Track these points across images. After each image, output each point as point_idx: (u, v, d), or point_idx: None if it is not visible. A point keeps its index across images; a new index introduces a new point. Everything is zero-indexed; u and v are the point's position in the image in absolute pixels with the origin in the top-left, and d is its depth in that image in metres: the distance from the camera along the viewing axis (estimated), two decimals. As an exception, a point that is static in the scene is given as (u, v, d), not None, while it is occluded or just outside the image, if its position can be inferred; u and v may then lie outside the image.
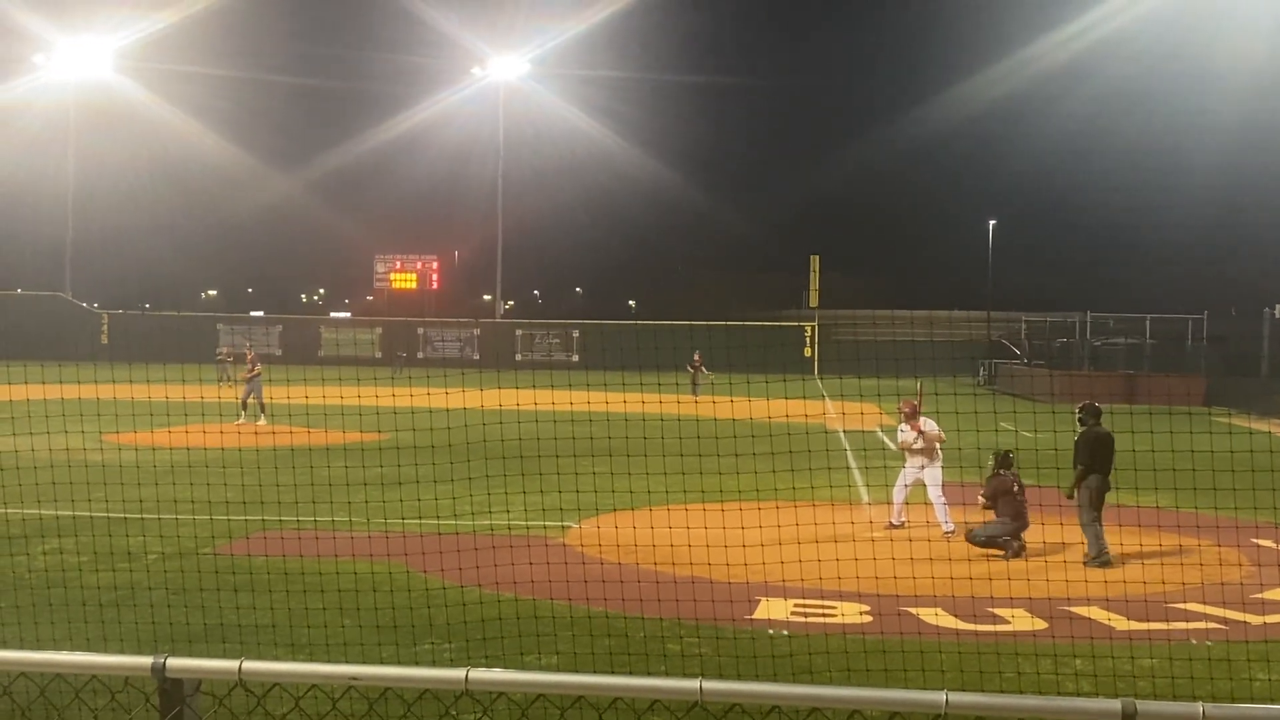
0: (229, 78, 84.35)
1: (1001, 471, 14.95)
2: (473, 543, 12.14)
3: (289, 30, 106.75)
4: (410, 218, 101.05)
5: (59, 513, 15.56)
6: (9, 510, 15.22)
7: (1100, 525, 14.13)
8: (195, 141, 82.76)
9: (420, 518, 14.61)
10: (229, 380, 46.29)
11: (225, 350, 54.03)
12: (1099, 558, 13.86)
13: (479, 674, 3.18)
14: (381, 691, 3.67)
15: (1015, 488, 14.75)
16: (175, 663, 3.26)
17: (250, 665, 3.21)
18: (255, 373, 31.01)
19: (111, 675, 3.59)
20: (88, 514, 15.36)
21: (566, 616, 10.22)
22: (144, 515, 15.21)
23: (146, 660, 3.28)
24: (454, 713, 4.06)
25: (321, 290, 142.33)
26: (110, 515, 14.81)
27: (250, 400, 30.92)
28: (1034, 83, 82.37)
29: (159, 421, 23.45)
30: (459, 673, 3.18)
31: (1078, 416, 14.79)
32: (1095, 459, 14.15)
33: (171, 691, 3.25)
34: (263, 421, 29.14)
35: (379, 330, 73.83)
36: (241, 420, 29.37)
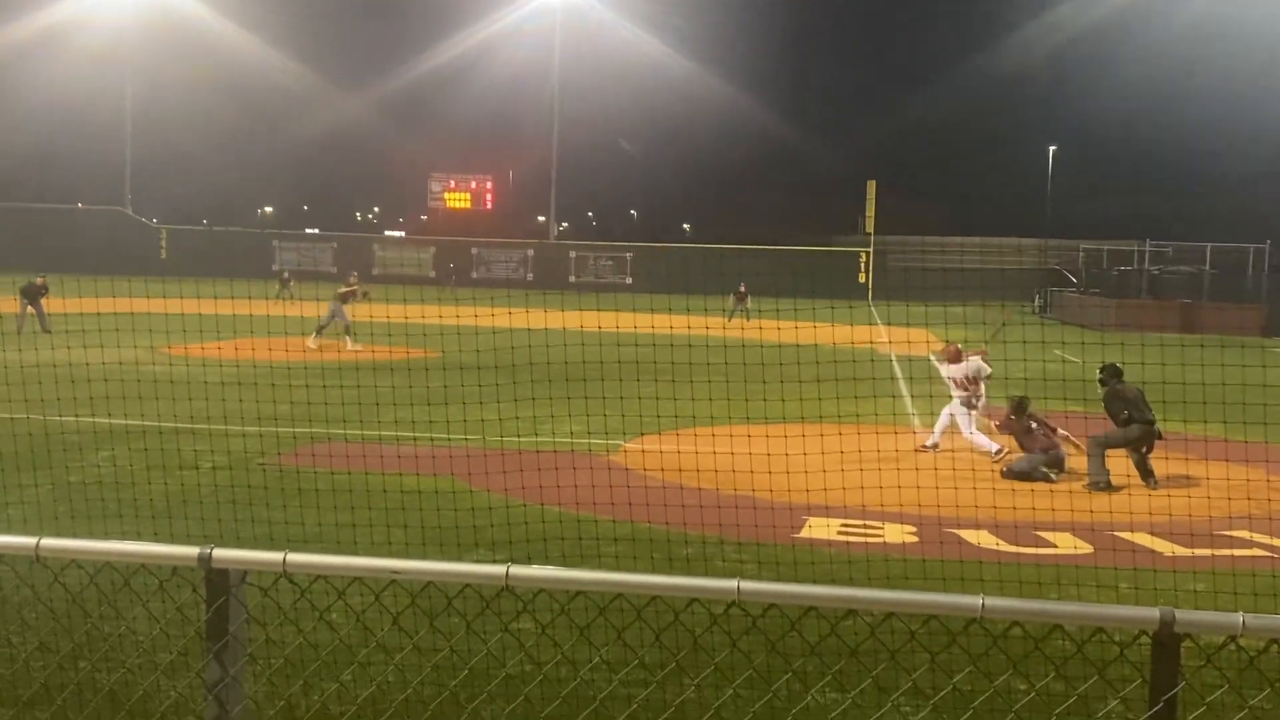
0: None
1: (1014, 417, 14.93)
2: (523, 460, 12.27)
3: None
4: (466, 137, 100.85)
5: (116, 421, 15.89)
6: (68, 418, 15.55)
7: (1104, 457, 14.01)
8: (254, 58, 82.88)
9: (469, 435, 14.79)
10: (288, 296, 46.71)
11: (286, 272, 54.45)
12: (1096, 482, 13.79)
13: (519, 570, 3.25)
14: (424, 586, 3.76)
15: (1033, 425, 14.75)
16: (221, 553, 3.36)
17: (294, 557, 3.30)
18: (351, 291, 30.41)
19: (160, 565, 3.70)
20: (145, 423, 15.67)
21: (613, 532, 10.34)
22: (199, 426, 15.51)
23: (193, 550, 3.38)
24: (495, 610, 4.15)
25: (376, 209, 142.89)
26: (165, 425, 15.10)
27: (335, 322, 30.14)
28: (1104, 10, 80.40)
29: (214, 335, 23.77)
30: (499, 569, 3.25)
31: (1099, 378, 14.63)
32: (1130, 409, 14.05)
33: (217, 581, 3.35)
34: (350, 343, 29.02)
35: (432, 249, 74.12)
36: (330, 340, 29.19)
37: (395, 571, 3.33)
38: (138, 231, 72.34)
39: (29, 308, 30.79)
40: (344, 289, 30.83)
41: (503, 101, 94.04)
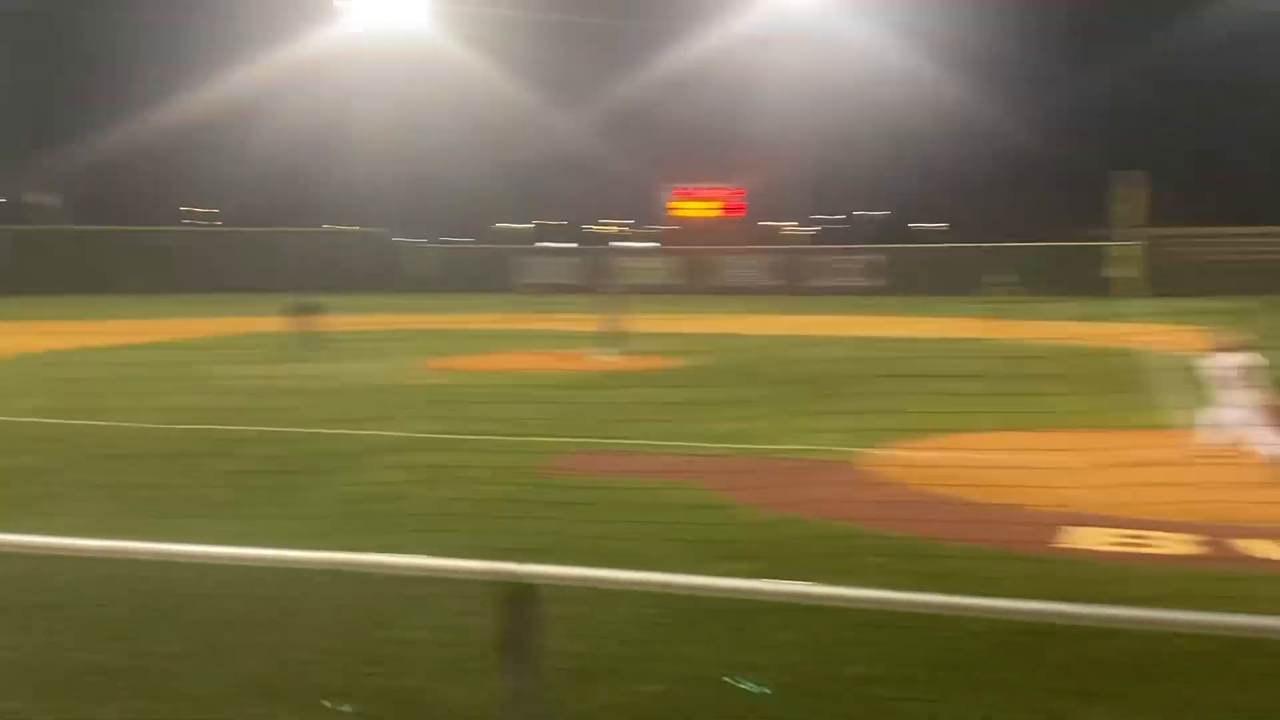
0: (518, 18, 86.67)
1: None
2: (778, 469, 12.27)
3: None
4: (709, 144, 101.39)
5: (389, 434, 16.75)
6: (344, 431, 16.43)
7: None
8: (487, 78, 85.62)
9: (725, 443, 14.89)
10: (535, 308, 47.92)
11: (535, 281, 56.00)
12: None
13: (771, 585, 3.31)
14: (688, 598, 3.87)
15: None
16: (522, 569, 3.54)
17: (591, 572, 3.45)
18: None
19: (454, 578, 3.91)
20: (417, 435, 16.45)
21: (865, 541, 10.26)
22: (467, 436, 16.16)
23: (497, 565, 3.57)
24: (747, 626, 4.23)
25: (619, 220, 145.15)
26: (436, 436, 15.79)
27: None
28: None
29: (473, 348, 24.75)
30: (761, 584, 3.31)
31: None
32: None
33: (520, 595, 3.53)
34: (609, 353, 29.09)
35: (678, 258, 74.91)
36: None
37: (693, 587, 3.44)
38: (402, 250, 75.89)
39: (303, 325, 32.22)
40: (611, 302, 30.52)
41: (749, 106, 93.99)
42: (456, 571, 3.80)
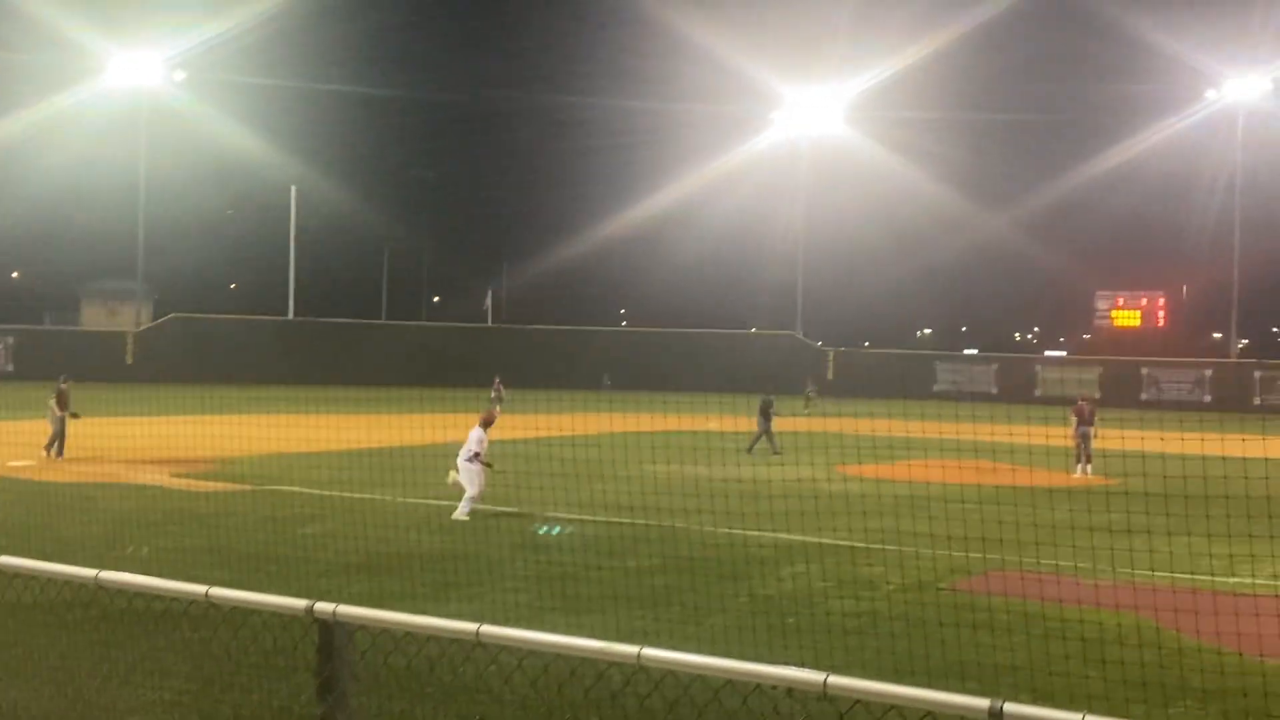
0: (942, 119, 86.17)
1: None
2: (1220, 602, 11.14)
3: (1006, 64, 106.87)
4: (1131, 252, 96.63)
5: (799, 538, 16.55)
6: (751, 532, 16.39)
7: None
8: (910, 183, 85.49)
9: (1156, 570, 13.68)
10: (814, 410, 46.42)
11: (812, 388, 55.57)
12: None
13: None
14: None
15: None
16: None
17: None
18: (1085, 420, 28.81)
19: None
20: (826, 541, 16.18)
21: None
22: (877, 545, 15.72)
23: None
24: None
25: (1036, 328, 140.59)
26: (845, 543, 15.45)
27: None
28: None
29: (886, 455, 24.22)
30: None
31: None
32: None
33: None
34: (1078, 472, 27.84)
35: (1098, 369, 71.26)
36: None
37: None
38: (807, 353, 76.39)
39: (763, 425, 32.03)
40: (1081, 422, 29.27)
41: (1171, 212, 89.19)
42: (935, 704, 3.47)
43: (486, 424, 19.39)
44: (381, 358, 70.01)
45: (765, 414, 31.73)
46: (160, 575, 6.25)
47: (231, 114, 77.49)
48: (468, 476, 18.70)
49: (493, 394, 48.64)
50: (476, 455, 18.73)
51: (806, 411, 47.53)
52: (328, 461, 22.66)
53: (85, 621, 8.23)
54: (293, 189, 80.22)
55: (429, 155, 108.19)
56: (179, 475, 23.96)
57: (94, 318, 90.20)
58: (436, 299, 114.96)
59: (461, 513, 18.36)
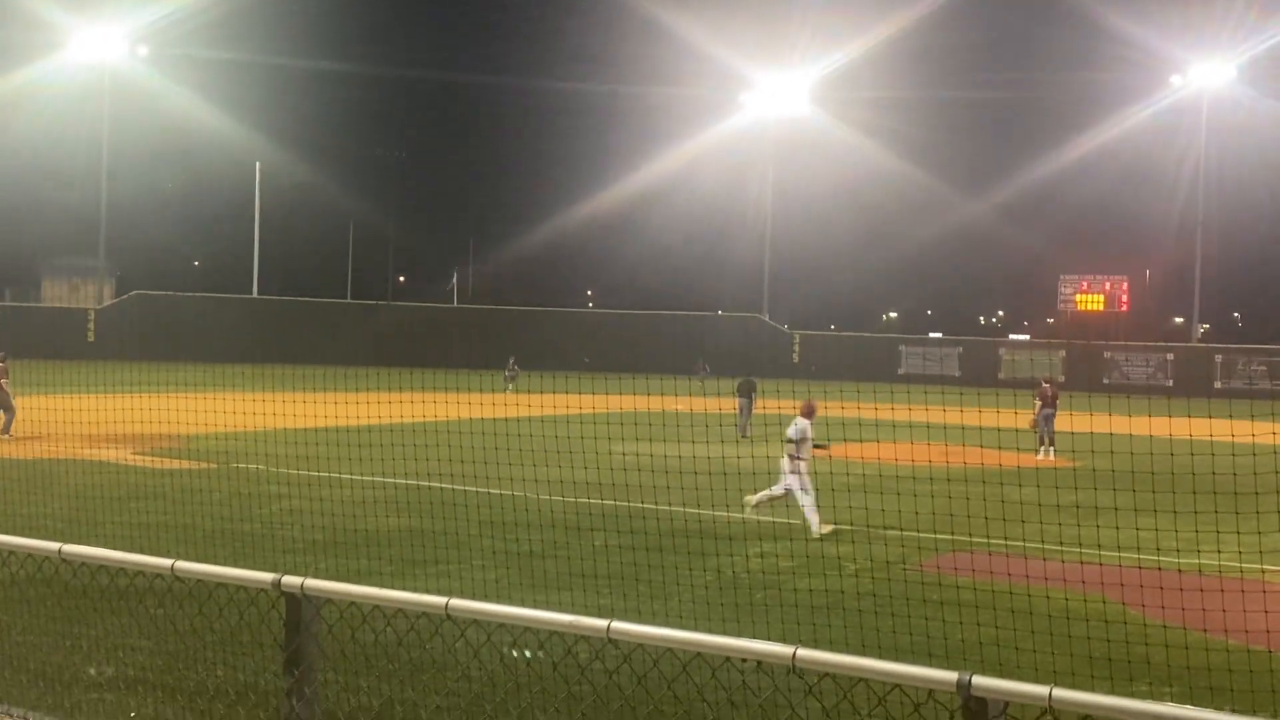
0: (908, 100, 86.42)
1: None
2: (1183, 582, 11.25)
3: (973, 47, 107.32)
4: (1095, 236, 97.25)
5: (765, 520, 16.57)
6: (719, 513, 16.41)
7: None
8: (876, 166, 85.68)
9: (1122, 551, 13.80)
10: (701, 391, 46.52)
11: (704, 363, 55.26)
12: None
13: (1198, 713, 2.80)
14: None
15: None
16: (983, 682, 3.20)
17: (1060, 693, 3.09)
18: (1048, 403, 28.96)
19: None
20: (795, 520, 16.21)
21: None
22: (845, 524, 15.78)
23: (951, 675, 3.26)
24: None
25: (1000, 312, 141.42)
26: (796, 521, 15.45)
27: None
28: None
29: (854, 435, 24.28)
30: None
31: None
32: None
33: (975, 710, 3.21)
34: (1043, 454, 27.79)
35: (1061, 353, 71.76)
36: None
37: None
38: (772, 336, 76.49)
39: (743, 406, 32.18)
40: (1042, 404, 29.13)
41: (1135, 197, 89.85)
42: (905, 678, 3.46)
43: (808, 414, 17.70)
44: (346, 337, 69.64)
45: (747, 394, 31.98)
46: (124, 551, 6.19)
47: (195, 89, 76.70)
48: (799, 483, 16.65)
49: (507, 373, 48.51)
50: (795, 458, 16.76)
51: (704, 392, 46.81)
52: (292, 439, 22.50)
53: (48, 597, 8.14)
54: (257, 165, 79.59)
55: (395, 134, 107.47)
56: (141, 453, 23.75)
57: (55, 294, 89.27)
58: (402, 279, 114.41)
59: (816, 526, 16.20)
